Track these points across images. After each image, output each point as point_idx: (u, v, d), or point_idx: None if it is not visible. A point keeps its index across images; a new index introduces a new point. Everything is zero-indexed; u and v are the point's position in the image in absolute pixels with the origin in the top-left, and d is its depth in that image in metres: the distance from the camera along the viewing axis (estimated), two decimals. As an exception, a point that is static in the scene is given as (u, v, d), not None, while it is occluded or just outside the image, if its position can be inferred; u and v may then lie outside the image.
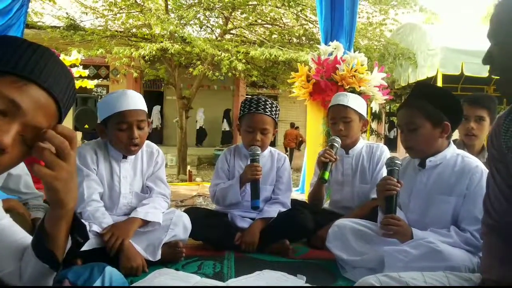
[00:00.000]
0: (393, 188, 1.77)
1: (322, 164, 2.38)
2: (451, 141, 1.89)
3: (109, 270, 0.95)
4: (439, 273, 1.30)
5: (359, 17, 8.35)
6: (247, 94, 14.20)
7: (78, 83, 7.03)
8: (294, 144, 13.13)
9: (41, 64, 0.81)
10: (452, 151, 1.86)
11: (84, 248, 1.68)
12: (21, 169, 2.06)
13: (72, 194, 0.84)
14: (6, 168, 0.81)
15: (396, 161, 1.84)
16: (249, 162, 2.44)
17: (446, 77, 6.52)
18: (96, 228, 1.96)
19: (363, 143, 2.66)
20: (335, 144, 2.45)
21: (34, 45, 0.82)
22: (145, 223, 2.04)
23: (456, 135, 2.21)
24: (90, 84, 7.28)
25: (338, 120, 2.54)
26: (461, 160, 1.82)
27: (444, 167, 1.84)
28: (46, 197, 0.84)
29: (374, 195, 2.42)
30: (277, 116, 2.53)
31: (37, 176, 0.77)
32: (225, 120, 14.70)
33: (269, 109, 2.47)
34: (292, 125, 13.68)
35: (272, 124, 2.50)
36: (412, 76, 7.63)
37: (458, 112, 1.84)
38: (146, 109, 2.11)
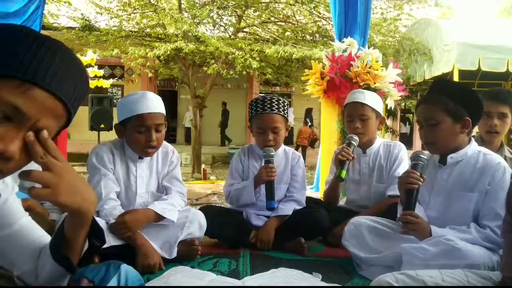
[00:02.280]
0: (415, 182, 1.74)
1: (339, 163, 2.33)
2: (472, 138, 1.86)
3: (125, 268, 0.96)
4: (458, 271, 1.28)
5: (373, 13, 8.26)
6: (260, 92, 14.16)
7: (93, 83, 7.12)
8: (307, 141, 13.04)
9: (46, 63, 0.76)
10: (473, 148, 1.83)
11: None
12: (36, 167, 2.09)
13: (85, 203, 0.84)
14: (13, 172, 0.80)
15: (422, 156, 1.81)
16: (263, 163, 2.43)
17: (462, 73, 6.42)
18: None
19: (380, 141, 2.62)
20: (352, 142, 2.40)
21: (40, 40, 0.77)
22: (160, 218, 2.05)
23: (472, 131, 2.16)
24: (105, 83, 7.37)
25: (355, 118, 2.50)
26: (483, 157, 1.79)
27: (465, 164, 1.81)
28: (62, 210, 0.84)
29: (390, 192, 2.40)
30: (286, 112, 2.50)
31: (37, 199, 0.77)
32: (307, 120, 14.13)
33: (277, 107, 2.44)
34: (306, 122, 13.58)
35: (282, 122, 2.48)
36: (428, 72, 7.53)
37: (479, 107, 1.81)
38: (164, 112, 2.12)
